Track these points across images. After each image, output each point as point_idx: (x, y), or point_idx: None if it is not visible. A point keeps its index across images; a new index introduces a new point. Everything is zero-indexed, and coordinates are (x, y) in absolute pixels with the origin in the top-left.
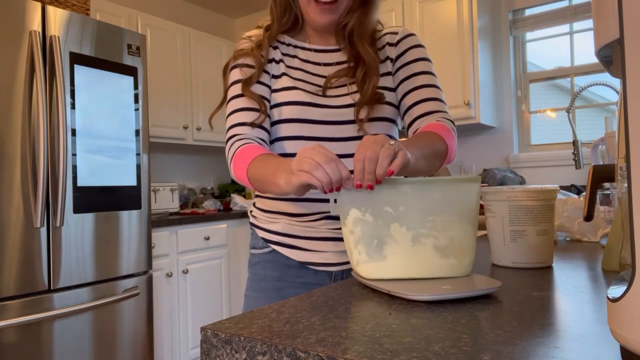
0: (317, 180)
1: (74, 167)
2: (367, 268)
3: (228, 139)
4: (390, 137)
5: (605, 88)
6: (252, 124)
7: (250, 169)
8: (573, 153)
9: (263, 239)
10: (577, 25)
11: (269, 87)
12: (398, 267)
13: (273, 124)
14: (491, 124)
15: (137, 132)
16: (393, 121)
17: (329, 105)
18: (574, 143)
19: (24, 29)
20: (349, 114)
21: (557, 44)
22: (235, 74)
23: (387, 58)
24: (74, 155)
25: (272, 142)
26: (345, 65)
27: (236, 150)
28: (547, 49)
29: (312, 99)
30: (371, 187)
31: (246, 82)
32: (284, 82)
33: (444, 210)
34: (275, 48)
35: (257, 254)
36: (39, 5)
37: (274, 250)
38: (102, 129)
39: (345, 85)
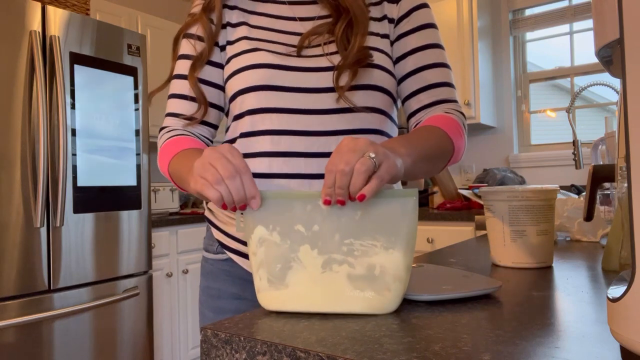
0: (215, 196)
1: (74, 167)
2: (266, 297)
3: (161, 129)
4: (381, 132)
5: (605, 88)
6: (190, 118)
7: (171, 163)
8: (573, 153)
9: (219, 242)
10: (577, 25)
11: (222, 66)
12: (301, 297)
13: (233, 97)
14: (491, 124)
15: (137, 132)
16: (387, 92)
17: (303, 68)
18: (574, 143)
19: (24, 29)
20: (326, 78)
21: (557, 44)
22: (184, 47)
23: (385, 17)
24: (74, 155)
25: (234, 119)
26: (326, 21)
27: (164, 141)
28: (547, 49)
29: (282, 60)
30: (342, 203)
31: (194, 64)
32: (242, 45)
33: (364, 232)
34: (233, 8)
35: (211, 260)
36: (39, 5)
37: (230, 259)
38: (102, 129)
39: (319, 45)
